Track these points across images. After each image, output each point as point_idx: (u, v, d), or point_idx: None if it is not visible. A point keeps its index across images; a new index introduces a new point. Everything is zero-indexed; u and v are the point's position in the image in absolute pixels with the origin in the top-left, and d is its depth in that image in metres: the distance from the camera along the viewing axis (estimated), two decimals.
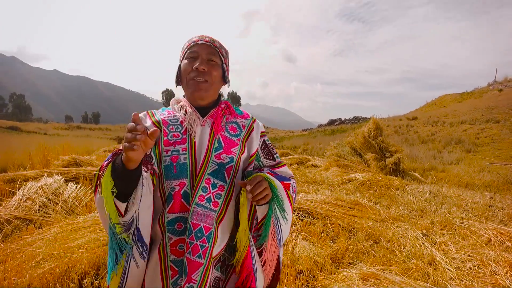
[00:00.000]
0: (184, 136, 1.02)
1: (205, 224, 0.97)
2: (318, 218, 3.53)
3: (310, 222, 3.43)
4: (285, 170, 1.17)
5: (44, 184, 3.28)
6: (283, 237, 1.11)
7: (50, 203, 3.05)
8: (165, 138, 1.01)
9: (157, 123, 1.03)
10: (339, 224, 3.36)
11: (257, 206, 1.04)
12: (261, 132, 1.16)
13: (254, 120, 1.16)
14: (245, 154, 1.09)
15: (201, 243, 0.95)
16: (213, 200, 0.99)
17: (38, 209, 2.93)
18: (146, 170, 0.93)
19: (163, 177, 0.98)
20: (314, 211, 3.68)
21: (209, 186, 0.99)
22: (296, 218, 3.50)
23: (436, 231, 3.32)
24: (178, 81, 1.11)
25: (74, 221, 2.71)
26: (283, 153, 12.00)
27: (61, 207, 3.00)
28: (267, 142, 1.17)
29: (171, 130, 1.02)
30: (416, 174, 7.26)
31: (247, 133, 1.11)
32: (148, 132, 0.78)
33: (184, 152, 1.00)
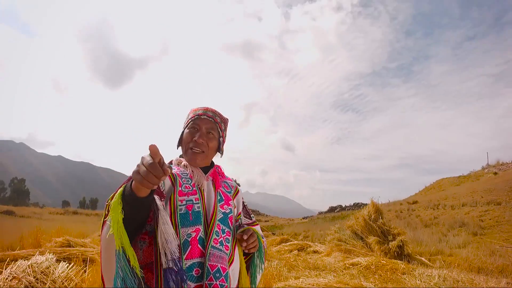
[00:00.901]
0: (194, 188, 1.16)
1: (221, 265, 1.06)
2: None
3: None
4: (258, 229, 1.34)
5: (35, 263, 3.16)
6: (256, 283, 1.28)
7: (38, 283, 2.89)
8: (180, 188, 1.12)
9: (171, 175, 1.15)
10: None
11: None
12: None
13: (237, 185, 1.38)
14: (235, 210, 1.28)
15: (220, 283, 1.03)
16: (224, 243, 1.12)
17: None
18: (161, 199, 1.02)
19: (179, 225, 1.05)
20: None
21: (220, 231, 1.12)
22: None
23: None
24: (179, 145, 1.28)
25: None
26: (283, 239, 11.51)
27: (49, 287, 2.84)
28: (245, 204, 1.39)
29: (184, 182, 1.15)
30: (422, 258, 6.90)
31: (234, 193, 1.32)
32: (164, 169, 0.83)
33: (197, 201, 1.12)
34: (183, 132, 1.26)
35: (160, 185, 1.08)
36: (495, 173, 23.10)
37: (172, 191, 1.11)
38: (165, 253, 0.93)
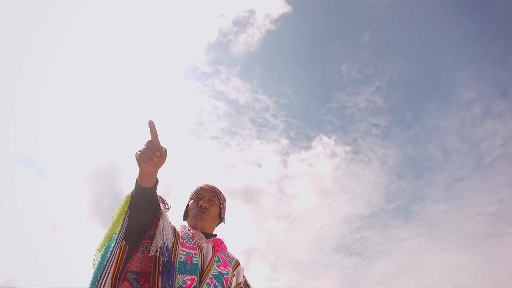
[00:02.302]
0: (195, 246, 1.25)
1: None
2: None
3: None
4: None
5: None
6: None
7: None
8: (182, 240, 1.23)
9: (175, 231, 1.26)
10: None
11: None
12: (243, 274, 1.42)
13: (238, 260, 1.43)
14: (234, 279, 1.33)
15: None
16: None
17: None
18: (166, 206, 1.23)
19: (176, 271, 1.11)
20: None
21: (212, 284, 1.16)
22: None
23: None
24: (185, 216, 1.43)
25: None
26: None
27: None
28: (248, 282, 1.44)
29: (185, 239, 1.26)
30: None
31: (235, 265, 1.39)
32: (159, 146, 0.97)
33: (196, 255, 1.21)
34: (188, 204, 1.42)
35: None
36: None
37: (174, 242, 1.19)
38: (158, 242, 1.10)
